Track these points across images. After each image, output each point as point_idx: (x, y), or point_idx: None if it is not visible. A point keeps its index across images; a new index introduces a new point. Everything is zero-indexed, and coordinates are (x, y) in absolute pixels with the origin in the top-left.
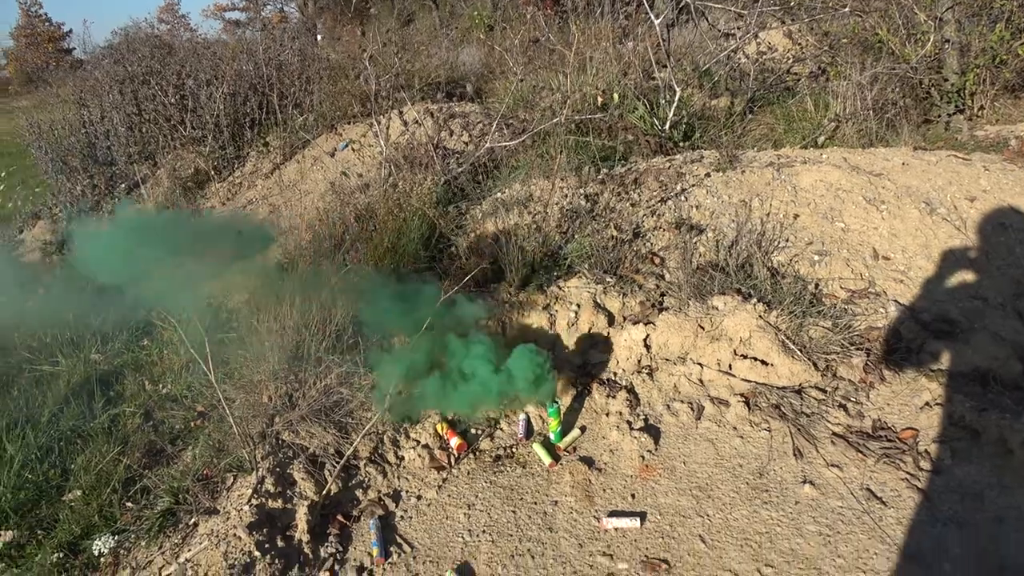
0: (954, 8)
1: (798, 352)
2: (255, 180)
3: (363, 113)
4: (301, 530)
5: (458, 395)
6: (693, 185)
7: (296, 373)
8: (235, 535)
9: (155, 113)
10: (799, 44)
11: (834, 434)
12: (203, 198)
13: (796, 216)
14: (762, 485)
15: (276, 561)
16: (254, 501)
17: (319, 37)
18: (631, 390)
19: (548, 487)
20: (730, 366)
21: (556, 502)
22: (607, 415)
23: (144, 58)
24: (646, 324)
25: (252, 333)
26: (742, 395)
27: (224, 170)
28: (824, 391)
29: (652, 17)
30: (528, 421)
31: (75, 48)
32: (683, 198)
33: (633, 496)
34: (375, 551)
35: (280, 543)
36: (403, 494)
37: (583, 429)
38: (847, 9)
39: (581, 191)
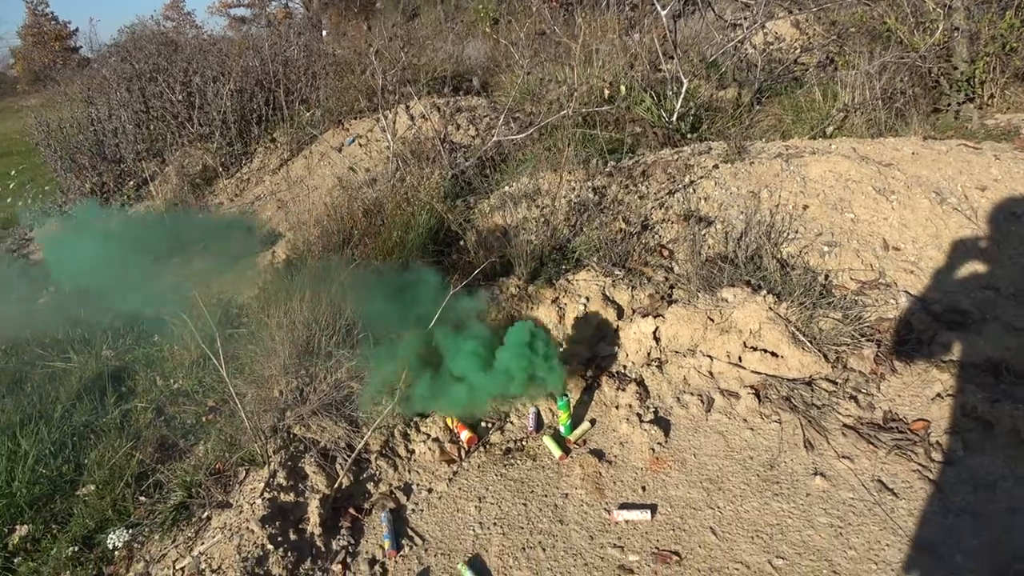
0: None
1: (808, 344)
2: (263, 176)
3: (370, 108)
4: (313, 523)
5: (454, 392)
6: (701, 177)
7: (307, 367)
8: (248, 528)
9: (162, 110)
10: (806, 34)
11: (845, 426)
12: (211, 194)
13: (805, 207)
14: (773, 477)
15: (289, 554)
16: (266, 495)
17: (324, 33)
18: (641, 383)
19: (559, 480)
20: (740, 358)
21: (567, 495)
22: (617, 408)
23: (151, 55)
24: (655, 317)
25: (262, 328)
26: (752, 387)
27: (232, 166)
28: (835, 383)
29: (658, 8)
30: (538, 414)
31: (82, 46)
32: (691, 190)
33: (643, 488)
34: (387, 544)
35: (293, 536)
36: (414, 487)
37: (593, 422)
38: None
39: (589, 184)
